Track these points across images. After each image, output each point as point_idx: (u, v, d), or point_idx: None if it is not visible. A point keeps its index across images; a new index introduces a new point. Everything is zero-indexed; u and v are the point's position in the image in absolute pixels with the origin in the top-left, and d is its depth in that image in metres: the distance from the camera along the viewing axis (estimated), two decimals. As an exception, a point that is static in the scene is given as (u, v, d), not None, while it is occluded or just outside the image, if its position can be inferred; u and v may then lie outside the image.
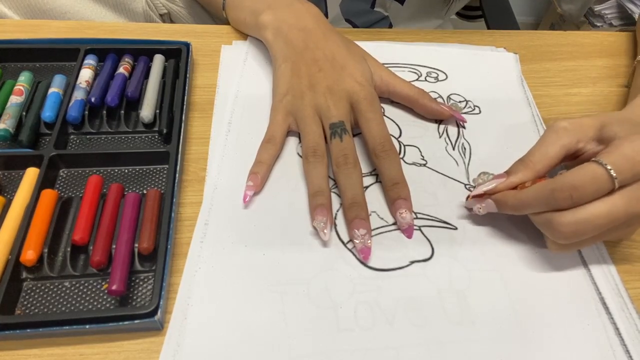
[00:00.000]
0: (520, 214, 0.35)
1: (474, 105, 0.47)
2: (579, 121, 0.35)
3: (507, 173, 0.36)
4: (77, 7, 0.55)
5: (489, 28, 0.77)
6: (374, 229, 0.37)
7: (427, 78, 0.50)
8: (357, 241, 0.35)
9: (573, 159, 0.36)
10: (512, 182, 0.35)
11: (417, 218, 0.38)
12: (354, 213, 0.36)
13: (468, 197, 0.39)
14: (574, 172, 0.31)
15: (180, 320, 0.32)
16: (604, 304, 0.34)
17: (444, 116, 0.45)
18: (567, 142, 0.35)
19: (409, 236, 0.37)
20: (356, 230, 0.35)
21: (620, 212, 0.30)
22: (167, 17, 0.63)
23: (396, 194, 0.37)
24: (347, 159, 0.38)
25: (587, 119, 0.35)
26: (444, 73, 0.50)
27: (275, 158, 0.40)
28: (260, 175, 0.38)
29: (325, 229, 0.35)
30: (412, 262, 0.35)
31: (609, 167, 0.30)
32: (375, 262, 0.35)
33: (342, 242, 0.36)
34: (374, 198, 0.39)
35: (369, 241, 0.35)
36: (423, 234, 0.37)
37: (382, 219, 0.38)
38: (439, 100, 0.47)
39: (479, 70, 0.51)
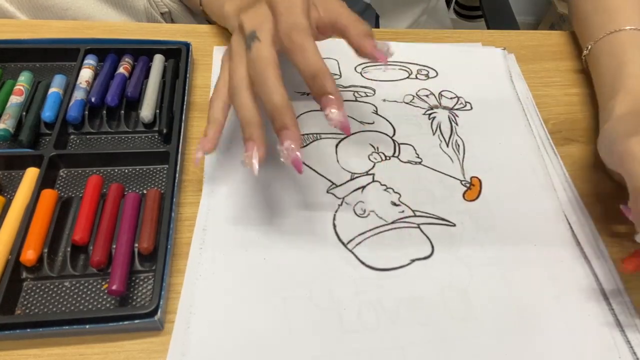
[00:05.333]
0: None
1: (466, 102, 0.47)
2: None
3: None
4: (79, 4, 0.55)
5: (489, 28, 0.77)
6: (373, 229, 0.37)
7: (418, 75, 0.49)
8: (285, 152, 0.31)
9: None
10: None
11: (415, 216, 0.38)
12: (280, 121, 0.31)
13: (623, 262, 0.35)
14: None
15: (184, 330, 0.31)
16: (604, 295, 0.35)
17: (364, 53, 0.36)
18: None
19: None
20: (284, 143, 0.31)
21: None
22: (168, 16, 0.63)
23: (320, 89, 0.31)
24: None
25: None
26: (434, 70, 0.50)
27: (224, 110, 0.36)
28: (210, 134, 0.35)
29: (254, 163, 0.32)
30: (413, 261, 0.35)
31: None
32: (377, 262, 0.35)
33: (343, 244, 0.36)
34: (374, 198, 0.39)
35: (298, 153, 0.31)
36: (422, 231, 0.37)
37: (381, 218, 0.38)
38: (431, 98, 0.47)
39: (468, 67, 0.51)
